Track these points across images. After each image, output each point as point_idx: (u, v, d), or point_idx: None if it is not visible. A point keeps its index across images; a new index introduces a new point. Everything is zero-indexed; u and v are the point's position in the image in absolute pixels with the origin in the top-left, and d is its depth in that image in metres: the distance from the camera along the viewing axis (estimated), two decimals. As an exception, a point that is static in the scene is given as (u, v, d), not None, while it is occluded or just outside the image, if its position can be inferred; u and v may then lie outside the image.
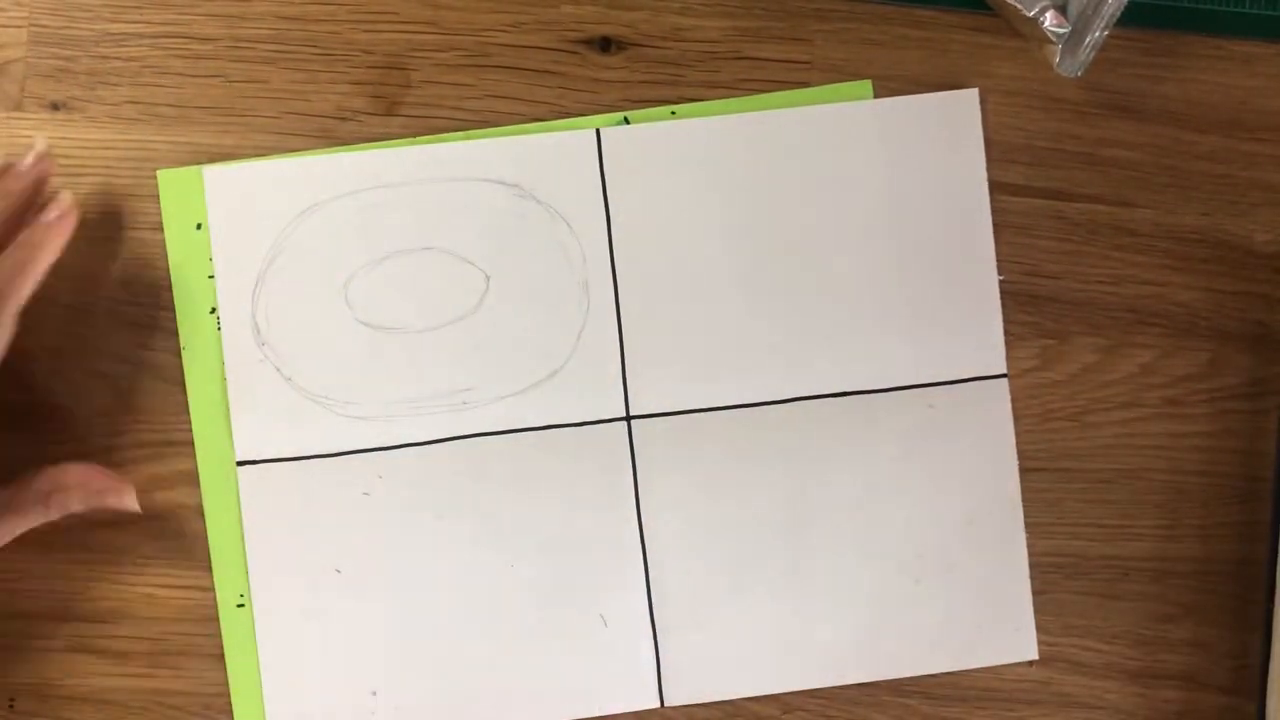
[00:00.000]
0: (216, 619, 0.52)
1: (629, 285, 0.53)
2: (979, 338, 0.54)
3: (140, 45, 0.53)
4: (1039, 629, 0.54)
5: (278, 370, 0.52)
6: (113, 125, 0.53)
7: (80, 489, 0.50)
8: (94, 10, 0.53)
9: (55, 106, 0.53)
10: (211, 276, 0.52)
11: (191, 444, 0.52)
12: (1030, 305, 0.54)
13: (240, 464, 0.52)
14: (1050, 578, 0.54)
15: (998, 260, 0.54)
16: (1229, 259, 0.54)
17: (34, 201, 0.49)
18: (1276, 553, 0.53)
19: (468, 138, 0.53)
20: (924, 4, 0.54)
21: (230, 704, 0.52)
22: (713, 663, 0.53)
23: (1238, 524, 0.54)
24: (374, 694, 0.53)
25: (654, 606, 0.53)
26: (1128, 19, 0.52)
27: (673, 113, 0.53)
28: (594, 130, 0.53)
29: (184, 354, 0.52)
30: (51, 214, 0.49)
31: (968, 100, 0.54)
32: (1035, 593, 0.54)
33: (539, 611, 0.53)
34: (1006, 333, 0.54)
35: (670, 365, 0.53)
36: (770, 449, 0.53)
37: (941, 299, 0.54)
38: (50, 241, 0.48)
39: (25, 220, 0.49)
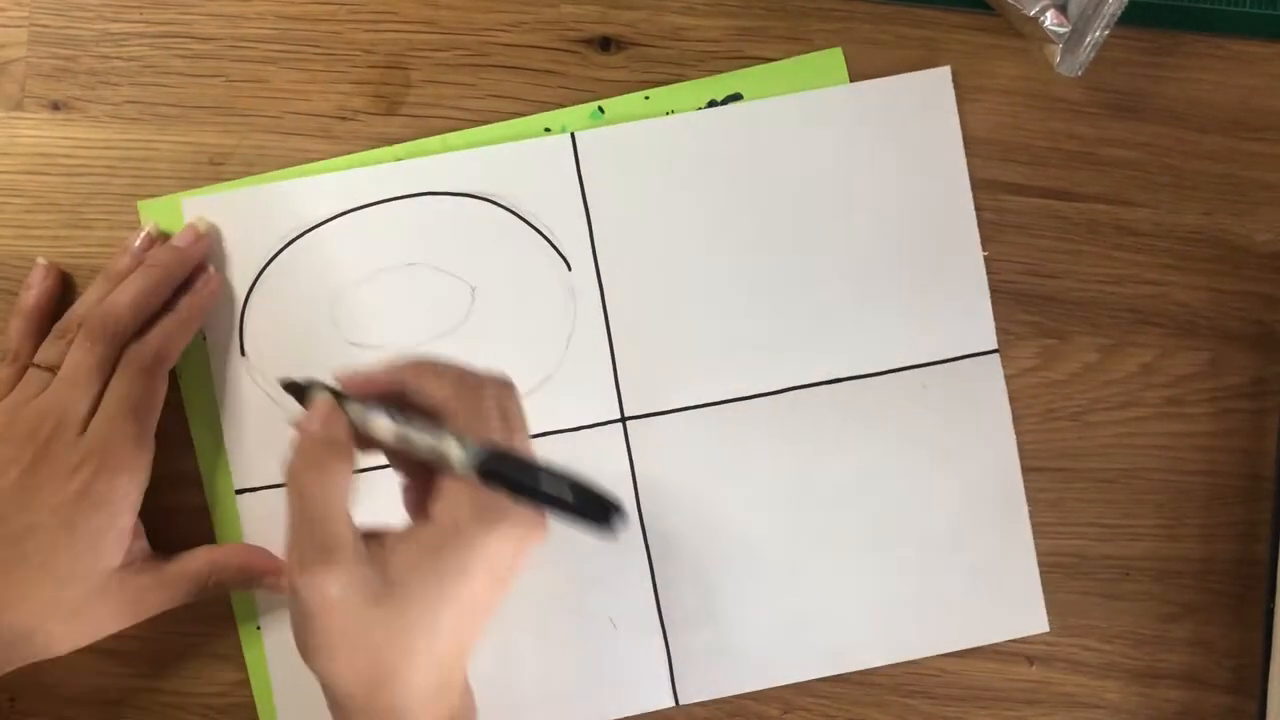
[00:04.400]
0: (215, 619, 0.52)
1: (615, 287, 0.53)
2: (967, 315, 0.53)
3: (140, 45, 0.53)
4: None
5: (268, 396, 0.52)
6: (113, 125, 0.53)
7: (241, 572, 0.51)
8: (94, 10, 0.53)
9: (55, 106, 0.53)
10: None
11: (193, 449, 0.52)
12: (1030, 305, 0.54)
13: (239, 492, 0.52)
14: (1050, 578, 0.54)
15: (997, 258, 0.54)
16: (1229, 259, 0.54)
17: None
18: (1277, 553, 0.53)
19: (445, 147, 0.53)
20: (924, 4, 0.54)
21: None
22: (724, 658, 0.53)
23: (1238, 524, 0.54)
24: None
25: (662, 606, 0.53)
26: (1128, 19, 0.52)
27: (646, 97, 0.53)
28: (569, 135, 0.53)
29: (181, 382, 0.52)
30: (199, 285, 0.51)
31: (940, 79, 0.54)
32: (1036, 592, 0.54)
33: (548, 619, 0.53)
34: (1007, 332, 0.54)
35: (662, 364, 0.53)
36: (767, 441, 0.53)
37: (928, 278, 0.53)
38: (199, 308, 0.51)
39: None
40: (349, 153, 0.53)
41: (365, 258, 0.52)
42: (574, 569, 0.52)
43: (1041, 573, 0.54)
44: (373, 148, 0.53)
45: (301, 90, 0.53)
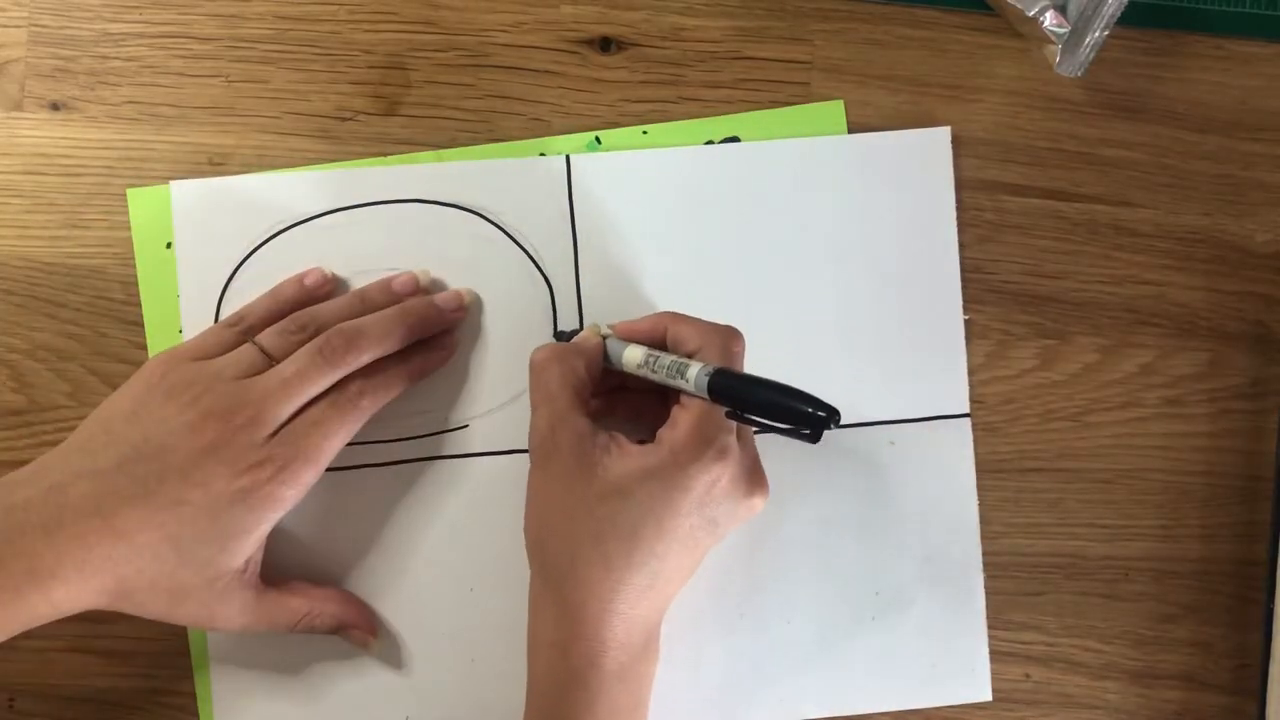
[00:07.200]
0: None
1: (594, 312, 0.53)
2: (943, 376, 0.53)
3: (140, 45, 0.53)
4: (1039, 629, 0.54)
5: None
6: (113, 125, 0.53)
7: (334, 619, 0.50)
8: (94, 10, 0.53)
9: (55, 106, 0.53)
10: (179, 295, 0.52)
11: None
12: (1030, 305, 0.54)
13: None
14: (1050, 578, 0.54)
15: (997, 259, 0.54)
16: (1229, 259, 0.54)
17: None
18: (1277, 553, 0.53)
19: (438, 159, 0.53)
20: (924, 4, 0.54)
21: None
22: (666, 696, 0.52)
23: (1238, 524, 0.54)
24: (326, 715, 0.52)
25: None
26: (1128, 19, 0.52)
27: (644, 132, 0.53)
28: (564, 157, 0.53)
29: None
30: (436, 345, 0.52)
31: (940, 138, 0.54)
32: (1035, 593, 0.54)
33: (494, 638, 0.52)
34: (1007, 333, 0.54)
35: None
36: None
37: (908, 335, 0.53)
38: (427, 370, 0.52)
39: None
40: (348, 153, 0.53)
41: (348, 257, 0.52)
42: (525, 590, 0.51)
43: (1041, 573, 0.54)
44: (372, 148, 0.53)
45: (301, 91, 0.53)
